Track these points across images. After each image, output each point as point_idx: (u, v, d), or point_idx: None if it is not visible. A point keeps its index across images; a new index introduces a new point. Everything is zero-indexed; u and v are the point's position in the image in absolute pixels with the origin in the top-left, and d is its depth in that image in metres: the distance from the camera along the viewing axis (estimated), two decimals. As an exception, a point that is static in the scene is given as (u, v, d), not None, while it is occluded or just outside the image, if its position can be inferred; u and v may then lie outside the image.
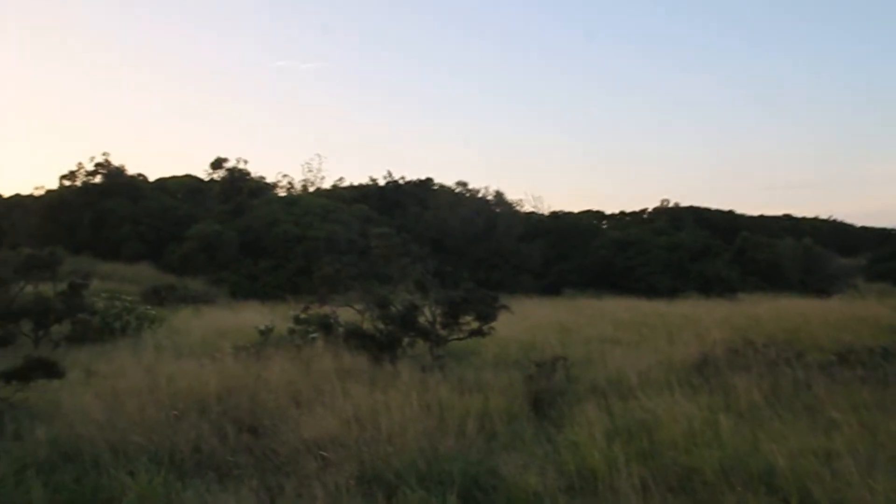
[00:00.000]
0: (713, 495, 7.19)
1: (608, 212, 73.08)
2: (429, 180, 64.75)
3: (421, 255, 17.11)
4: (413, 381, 11.77)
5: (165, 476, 7.64)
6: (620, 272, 52.09)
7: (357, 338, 15.46)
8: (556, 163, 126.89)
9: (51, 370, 10.74)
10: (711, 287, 46.75)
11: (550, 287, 49.16)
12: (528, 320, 22.26)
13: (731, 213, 68.72)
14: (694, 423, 9.22)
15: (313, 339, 15.77)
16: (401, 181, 63.59)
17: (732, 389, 11.48)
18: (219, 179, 61.32)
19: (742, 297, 41.94)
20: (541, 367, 13.00)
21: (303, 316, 17.36)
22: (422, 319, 15.92)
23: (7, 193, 63.85)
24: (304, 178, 67.70)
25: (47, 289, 21.11)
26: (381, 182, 63.67)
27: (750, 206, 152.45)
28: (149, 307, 24.22)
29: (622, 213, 71.92)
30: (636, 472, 7.51)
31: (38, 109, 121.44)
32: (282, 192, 63.74)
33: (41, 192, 59.73)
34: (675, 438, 8.78)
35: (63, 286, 20.78)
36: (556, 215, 64.08)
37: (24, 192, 63.04)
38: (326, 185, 67.24)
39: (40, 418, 9.83)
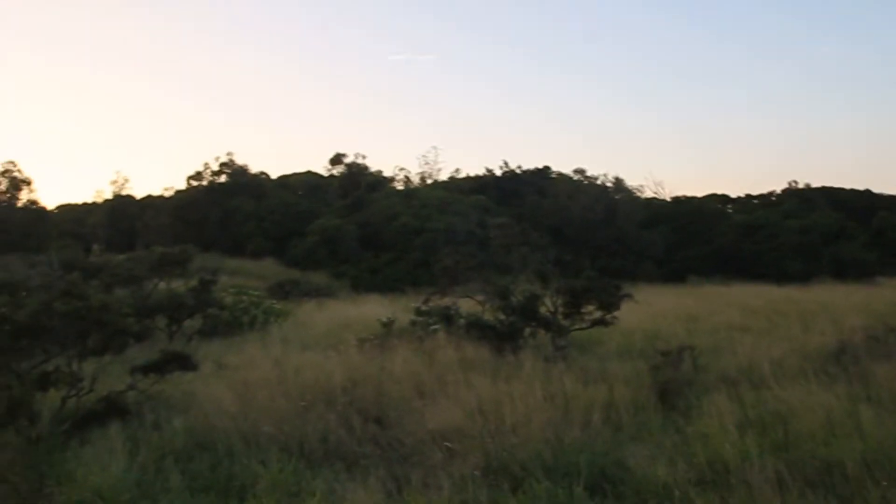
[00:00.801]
0: (855, 490, 6.82)
1: (733, 195, 70.22)
2: (546, 169, 64.25)
3: (540, 244, 16.97)
4: (536, 371, 11.67)
5: (295, 465, 7.81)
6: (748, 257, 50.33)
7: (478, 329, 15.46)
8: (678, 147, 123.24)
9: (185, 363, 11.15)
10: (847, 271, 44.65)
11: (674, 274, 47.99)
12: (651, 309, 21.77)
13: (867, 192, 65.05)
14: (832, 414, 8.80)
15: (435, 330, 15.84)
16: (518, 171, 63.29)
17: (873, 378, 10.90)
18: (338, 175, 62.64)
19: (881, 280, 39.92)
20: (667, 356, 12.67)
21: (424, 308, 17.48)
22: (543, 309, 15.79)
23: (140, 195, 67.22)
24: (421, 170, 68.33)
25: (179, 285, 21.99)
26: (498, 172, 63.55)
27: (889, 184, 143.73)
28: (274, 301, 24.91)
29: (748, 196, 68.99)
30: (771, 465, 7.21)
31: (165, 112, 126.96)
32: (399, 186, 64.52)
33: (170, 192, 62.68)
34: (813, 430, 8.39)
35: (193, 282, 21.57)
36: (678, 200, 62.44)
37: (155, 192, 66.32)
38: (443, 177, 67.64)
39: (176, 409, 10.21)
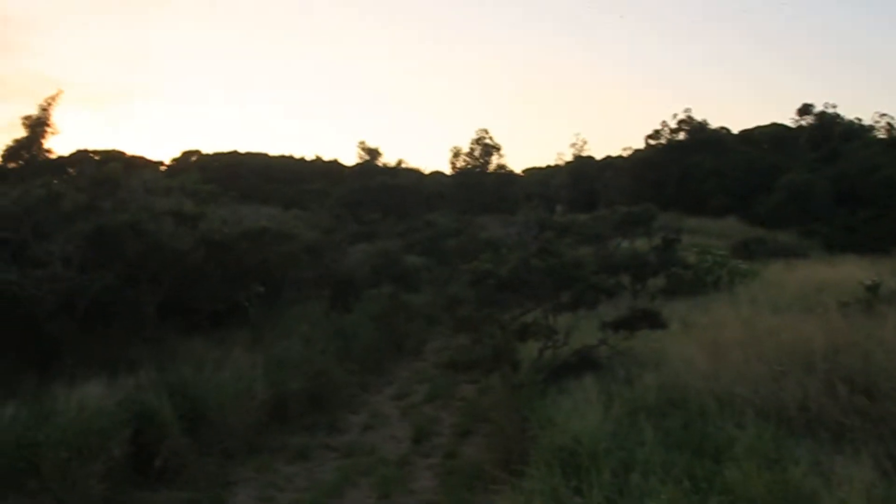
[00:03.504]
0: None
1: None
2: None
3: None
4: None
5: (774, 431, 7.35)
6: None
7: None
8: None
9: (654, 321, 11.18)
10: None
11: None
12: None
13: None
14: None
15: (934, 295, 13.94)
16: None
17: None
18: (807, 126, 58.94)
19: None
20: None
21: (916, 270, 15.51)
22: None
23: (599, 156, 69.93)
24: (909, 117, 61.11)
25: (642, 244, 22.24)
26: None
27: None
28: (739, 261, 24.03)
29: None
30: None
31: (624, 74, 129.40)
32: (881, 135, 58.43)
33: (629, 152, 64.03)
34: None
35: (656, 241, 21.66)
36: None
37: (614, 153, 68.47)
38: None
39: (646, 366, 10.20)
